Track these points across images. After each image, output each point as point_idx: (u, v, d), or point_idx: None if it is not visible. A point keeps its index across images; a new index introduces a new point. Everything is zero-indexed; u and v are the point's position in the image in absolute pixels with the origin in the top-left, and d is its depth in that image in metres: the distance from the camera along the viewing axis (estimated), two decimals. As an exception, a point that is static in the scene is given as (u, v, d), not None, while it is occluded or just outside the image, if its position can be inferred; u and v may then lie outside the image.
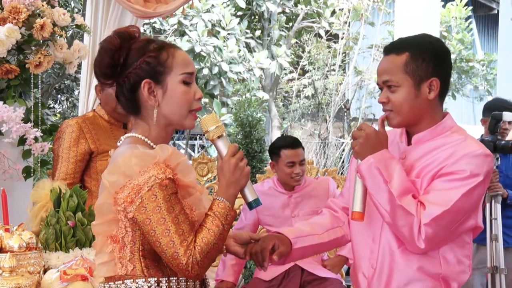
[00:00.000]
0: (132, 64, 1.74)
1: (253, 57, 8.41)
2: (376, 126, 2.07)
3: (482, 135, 4.09)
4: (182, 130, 9.47)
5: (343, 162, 9.94)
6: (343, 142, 10.12)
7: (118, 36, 1.76)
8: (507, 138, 3.66)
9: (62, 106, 8.97)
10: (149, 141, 1.76)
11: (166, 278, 1.71)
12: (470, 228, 1.99)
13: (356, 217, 1.98)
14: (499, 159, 3.58)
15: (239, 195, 1.81)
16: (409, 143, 2.09)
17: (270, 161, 3.68)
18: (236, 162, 1.75)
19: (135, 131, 1.78)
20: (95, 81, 4.09)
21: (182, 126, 1.79)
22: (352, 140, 2.03)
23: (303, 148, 3.60)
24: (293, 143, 3.56)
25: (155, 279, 1.70)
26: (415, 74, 2.00)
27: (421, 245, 1.90)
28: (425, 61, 2.00)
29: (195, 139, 10.88)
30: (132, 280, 1.69)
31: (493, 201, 3.57)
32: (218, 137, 1.78)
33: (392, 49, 2.05)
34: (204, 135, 1.86)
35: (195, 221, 1.70)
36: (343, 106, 10.42)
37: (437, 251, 1.97)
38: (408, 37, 2.12)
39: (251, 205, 1.81)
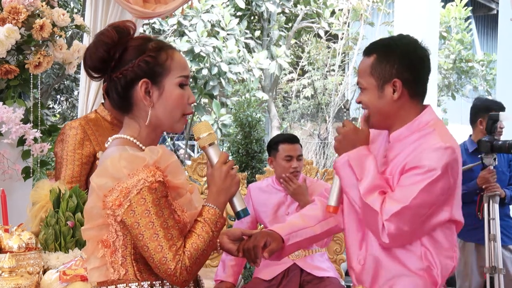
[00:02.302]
0: (129, 62, 1.69)
1: (252, 57, 8.41)
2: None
3: (470, 135, 4.07)
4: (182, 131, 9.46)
5: (342, 162, 9.92)
6: (342, 143, 10.10)
7: (116, 30, 1.71)
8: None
9: (62, 106, 8.97)
10: (138, 143, 1.72)
11: (160, 281, 1.68)
12: (444, 222, 1.99)
13: (330, 211, 2.07)
14: (496, 159, 3.58)
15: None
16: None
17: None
18: (227, 170, 1.74)
19: (124, 132, 1.75)
20: (95, 81, 4.09)
21: (173, 129, 1.77)
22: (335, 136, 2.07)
23: (301, 145, 3.62)
24: (291, 138, 3.59)
25: (148, 282, 1.67)
26: (380, 76, 2.02)
27: (386, 240, 1.93)
28: (389, 63, 2.01)
29: (195, 139, 10.85)
30: (125, 284, 1.66)
31: (491, 201, 3.58)
32: (210, 144, 1.78)
33: (365, 50, 2.09)
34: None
35: (186, 222, 1.67)
36: (342, 106, 10.41)
37: (418, 246, 1.99)
38: (381, 38, 2.14)
39: (239, 215, 1.79)
